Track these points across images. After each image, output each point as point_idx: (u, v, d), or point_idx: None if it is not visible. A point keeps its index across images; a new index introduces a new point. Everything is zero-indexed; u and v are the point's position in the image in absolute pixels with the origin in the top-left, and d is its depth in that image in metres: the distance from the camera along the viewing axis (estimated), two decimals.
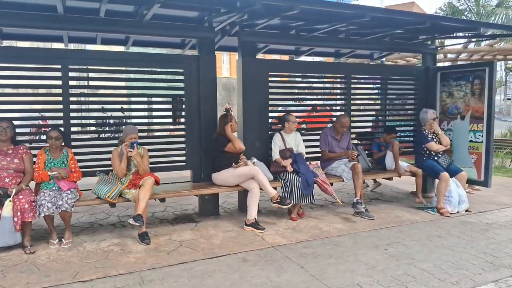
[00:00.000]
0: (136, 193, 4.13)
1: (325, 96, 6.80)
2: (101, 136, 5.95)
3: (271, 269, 3.46)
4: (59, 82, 4.52)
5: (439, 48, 7.04)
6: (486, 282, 3.24)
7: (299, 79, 6.25)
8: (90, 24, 4.54)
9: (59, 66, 4.48)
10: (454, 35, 6.26)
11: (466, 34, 6.25)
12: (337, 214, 5.18)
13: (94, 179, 4.42)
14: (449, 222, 4.87)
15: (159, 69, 5.22)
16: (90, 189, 4.34)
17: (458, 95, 5.98)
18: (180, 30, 4.98)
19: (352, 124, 6.07)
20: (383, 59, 8.26)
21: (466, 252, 3.86)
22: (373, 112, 7.08)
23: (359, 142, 6.45)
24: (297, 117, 5.36)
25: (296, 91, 6.22)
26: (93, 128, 8.88)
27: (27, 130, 5.20)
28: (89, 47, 12.62)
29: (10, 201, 3.70)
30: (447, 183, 5.23)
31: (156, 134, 6.88)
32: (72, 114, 4.61)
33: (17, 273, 3.34)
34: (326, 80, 6.71)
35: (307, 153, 5.40)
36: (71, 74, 4.56)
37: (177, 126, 5.42)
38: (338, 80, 6.49)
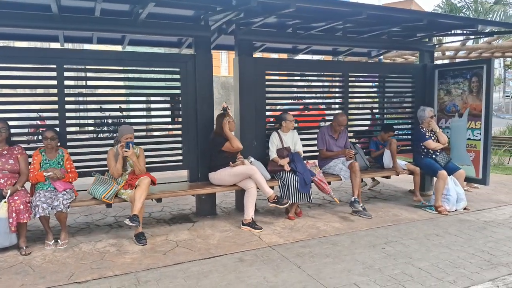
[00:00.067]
0: (132, 193, 4.11)
1: (322, 95, 6.77)
2: (99, 136, 5.91)
3: (267, 269, 3.45)
4: (54, 82, 4.49)
5: (436, 46, 7.03)
6: (483, 280, 3.22)
7: (296, 78, 6.23)
8: (86, 24, 4.51)
9: (54, 66, 4.45)
10: (452, 32, 6.23)
11: (464, 32, 6.23)
12: (334, 213, 5.16)
13: (90, 179, 4.40)
14: (447, 220, 4.86)
15: (155, 68, 5.20)
16: (86, 190, 4.32)
17: (456, 92, 5.96)
18: (176, 29, 4.95)
19: (350, 123, 6.06)
20: (381, 57, 8.24)
21: (463, 251, 3.85)
22: (373, 111, 7.07)
23: (356, 140, 6.44)
24: None
25: (293, 89, 6.20)
26: (91, 128, 8.87)
27: (25, 130, 5.16)
28: (87, 46, 12.64)
29: (5, 202, 3.68)
30: (445, 181, 5.22)
31: (154, 133, 6.87)
32: (68, 114, 4.59)
33: (12, 274, 3.32)
34: (323, 78, 6.69)
35: None
36: (66, 74, 4.53)
37: (173, 126, 5.40)
38: (336, 78, 6.47)
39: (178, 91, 5.05)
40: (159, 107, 5.53)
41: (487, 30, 6.57)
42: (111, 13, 4.52)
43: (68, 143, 4.57)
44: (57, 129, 4.37)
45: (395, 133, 6.08)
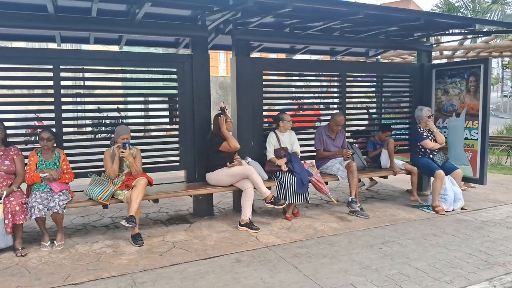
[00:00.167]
0: (129, 194, 4.09)
1: (320, 95, 6.77)
2: (97, 136, 5.89)
3: (264, 269, 3.44)
4: (50, 83, 4.47)
5: (434, 45, 7.03)
6: (480, 280, 3.22)
7: (294, 78, 6.22)
8: (82, 24, 4.50)
9: (51, 66, 4.43)
10: (450, 32, 6.23)
11: (462, 31, 6.23)
12: (332, 213, 5.16)
13: (86, 180, 4.38)
14: (444, 220, 4.86)
15: (152, 69, 5.18)
16: (83, 191, 4.30)
17: (453, 92, 5.96)
18: (172, 29, 4.93)
19: (347, 122, 6.05)
20: (379, 56, 8.24)
21: (460, 251, 3.85)
22: (369, 110, 7.06)
23: (354, 140, 6.43)
24: None
25: (290, 89, 6.19)
26: (88, 129, 8.84)
27: (22, 131, 5.15)
28: (85, 47, 12.60)
29: (0, 203, 3.66)
30: (443, 181, 5.22)
31: (151, 134, 6.85)
32: (65, 115, 4.57)
33: (7, 276, 3.30)
34: (321, 78, 6.69)
35: None
36: (63, 74, 4.51)
37: (171, 126, 5.39)
38: (333, 78, 6.46)
39: (175, 91, 5.04)
40: (156, 108, 5.52)
41: (484, 30, 6.58)
42: (107, 13, 4.51)
43: (65, 144, 4.55)
44: (54, 129, 4.35)
45: (392, 133, 6.08)
